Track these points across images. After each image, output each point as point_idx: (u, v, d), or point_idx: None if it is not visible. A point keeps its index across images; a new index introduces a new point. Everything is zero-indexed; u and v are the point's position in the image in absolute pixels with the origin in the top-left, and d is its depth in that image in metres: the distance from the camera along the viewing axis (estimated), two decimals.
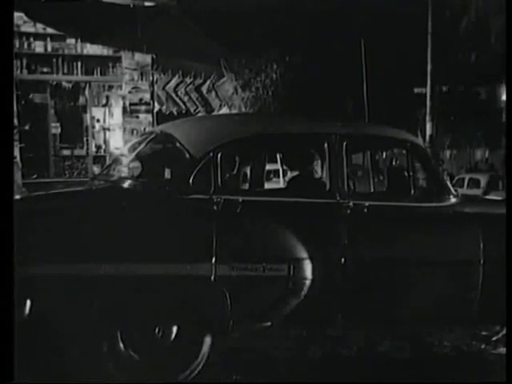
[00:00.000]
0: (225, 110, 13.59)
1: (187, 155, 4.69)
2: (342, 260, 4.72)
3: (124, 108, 12.88)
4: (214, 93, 13.56)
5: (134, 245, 4.36)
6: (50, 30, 11.67)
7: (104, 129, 12.93)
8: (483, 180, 13.92)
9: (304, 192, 5.08)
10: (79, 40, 12.00)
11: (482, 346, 5.55)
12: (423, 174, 5.28)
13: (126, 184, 4.86)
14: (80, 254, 4.27)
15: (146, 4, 11.89)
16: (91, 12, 10.74)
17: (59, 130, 12.43)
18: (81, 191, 5.12)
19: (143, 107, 12.92)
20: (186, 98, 13.45)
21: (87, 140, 12.74)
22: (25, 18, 11.39)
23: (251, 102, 13.35)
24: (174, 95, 13.36)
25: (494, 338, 5.59)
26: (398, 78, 12.13)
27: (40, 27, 11.63)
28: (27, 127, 11.90)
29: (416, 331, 5.65)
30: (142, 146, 5.32)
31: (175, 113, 13.40)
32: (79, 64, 12.29)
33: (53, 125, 12.37)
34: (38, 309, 4.20)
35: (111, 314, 4.37)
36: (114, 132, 12.98)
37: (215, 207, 4.54)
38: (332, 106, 11.85)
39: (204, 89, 13.49)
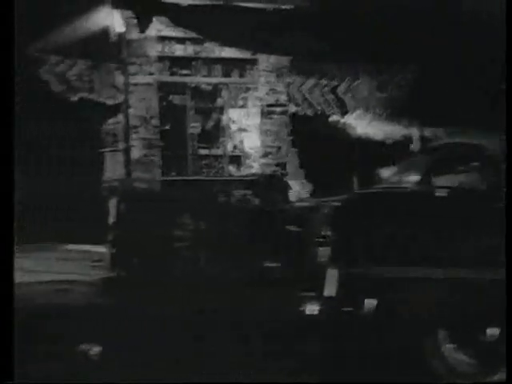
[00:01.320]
0: (360, 112, 13.56)
1: (503, 166, 5.06)
2: None
3: (260, 109, 13.12)
4: (349, 94, 13.56)
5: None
6: (189, 34, 12.10)
7: (240, 129, 13.23)
8: None
9: None
10: (217, 43, 12.36)
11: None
12: None
13: (442, 192, 5.31)
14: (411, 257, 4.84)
15: (283, 7, 12.08)
16: (228, 16, 11.06)
17: (198, 130, 12.85)
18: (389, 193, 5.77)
19: (279, 109, 13.12)
20: (321, 100, 13.53)
21: (224, 140, 13.08)
22: (168, 23, 11.84)
23: (387, 104, 13.24)
24: (309, 97, 13.48)
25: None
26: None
27: (180, 31, 12.09)
28: (167, 127, 12.42)
29: None
30: (429, 155, 5.59)
31: (310, 114, 13.52)
32: (218, 67, 12.69)
33: (192, 125, 12.81)
34: (384, 308, 4.74)
35: (441, 314, 4.77)
36: (251, 133, 13.24)
37: None
38: (474, 109, 11.54)
39: (339, 91, 13.53)
